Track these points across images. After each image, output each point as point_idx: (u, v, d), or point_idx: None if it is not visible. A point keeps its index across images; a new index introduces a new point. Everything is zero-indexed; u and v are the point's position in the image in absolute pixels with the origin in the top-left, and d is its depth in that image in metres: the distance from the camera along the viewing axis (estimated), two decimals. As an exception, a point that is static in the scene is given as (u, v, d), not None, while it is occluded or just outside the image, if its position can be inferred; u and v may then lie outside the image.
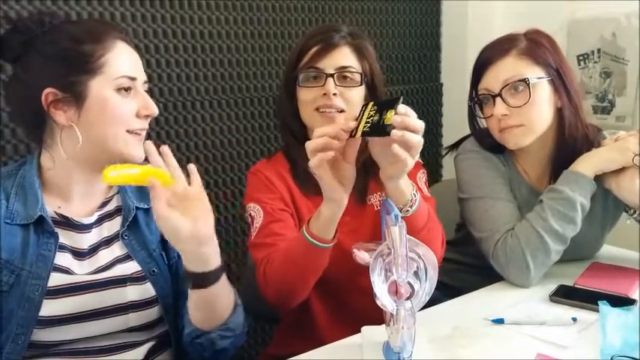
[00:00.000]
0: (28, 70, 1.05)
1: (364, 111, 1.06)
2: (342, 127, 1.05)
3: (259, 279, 1.20)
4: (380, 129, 1.00)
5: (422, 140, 1.02)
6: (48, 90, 1.02)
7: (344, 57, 1.27)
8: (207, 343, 1.06)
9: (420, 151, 1.04)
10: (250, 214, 1.29)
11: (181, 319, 1.13)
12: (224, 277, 1.03)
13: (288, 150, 1.37)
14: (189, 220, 0.96)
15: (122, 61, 1.06)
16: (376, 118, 1.02)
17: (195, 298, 1.03)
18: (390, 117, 0.99)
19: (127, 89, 1.05)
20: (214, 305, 1.04)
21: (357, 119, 1.06)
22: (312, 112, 1.28)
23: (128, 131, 1.06)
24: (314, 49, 1.27)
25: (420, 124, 1.02)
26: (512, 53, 1.33)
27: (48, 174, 1.09)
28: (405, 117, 1.00)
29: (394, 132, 0.98)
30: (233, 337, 1.08)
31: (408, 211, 1.14)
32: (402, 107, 1.00)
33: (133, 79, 1.06)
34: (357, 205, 1.32)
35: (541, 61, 1.32)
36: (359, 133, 1.04)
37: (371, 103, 1.06)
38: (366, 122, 1.03)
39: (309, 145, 1.06)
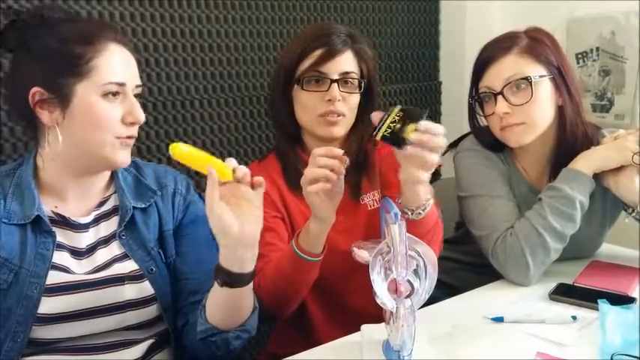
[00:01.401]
0: (19, 66, 1.05)
1: (389, 114, 1.06)
2: (342, 164, 1.07)
3: (254, 289, 1.20)
4: (398, 140, 1.03)
5: (436, 159, 1.04)
6: (35, 89, 1.01)
7: (347, 63, 1.28)
8: (222, 342, 1.04)
9: (433, 168, 1.06)
10: None
11: (183, 317, 1.13)
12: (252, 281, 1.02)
13: (280, 149, 1.37)
14: (239, 220, 0.94)
15: (112, 65, 1.03)
16: (398, 126, 1.03)
17: (221, 297, 1.01)
18: (411, 131, 1.02)
19: (115, 94, 1.04)
20: (239, 306, 1.03)
21: (380, 121, 1.06)
22: (314, 117, 1.28)
23: (116, 137, 1.04)
24: (318, 53, 1.27)
25: (439, 143, 1.04)
26: (513, 51, 1.32)
27: (42, 174, 1.09)
28: (425, 136, 1.02)
29: (410, 148, 1.01)
30: (246, 338, 1.07)
31: (420, 214, 1.15)
32: (424, 124, 1.03)
33: (121, 84, 1.04)
34: (351, 204, 1.32)
35: (542, 59, 1.32)
36: (380, 134, 1.05)
37: (398, 108, 1.06)
38: (389, 127, 1.04)
39: (308, 176, 1.07)
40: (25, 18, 1.04)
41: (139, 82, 1.09)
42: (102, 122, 1.03)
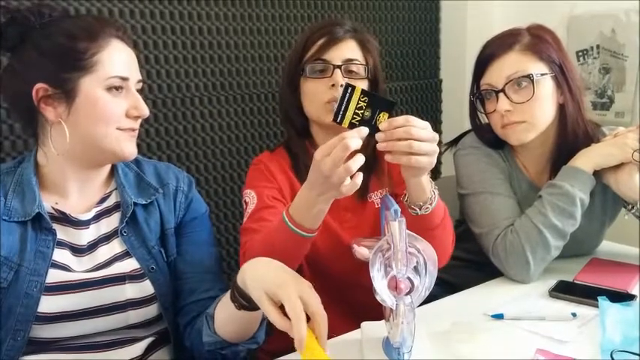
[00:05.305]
0: (22, 63, 1.05)
1: (351, 96, 1.01)
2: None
3: (240, 261, 1.17)
4: (372, 129, 1.00)
5: (419, 145, 1.00)
6: (39, 85, 1.02)
7: (350, 50, 1.28)
8: (232, 354, 1.05)
9: (427, 153, 1.02)
10: (245, 201, 1.28)
11: (184, 315, 1.13)
12: None
13: (289, 144, 1.37)
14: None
15: (115, 60, 1.04)
16: (368, 113, 1.01)
17: (238, 316, 0.98)
18: (384, 121, 1.00)
19: (118, 88, 1.04)
20: (251, 324, 1.03)
21: (340, 101, 1.01)
22: (320, 105, 1.28)
23: (118, 129, 1.05)
24: (320, 42, 1.28)
25: (409, 131, 1.00)
26: (515, 48, 1.32)
27: (43, 171, 1.09)
28: (391, 127, 1.00)
29: (380, 141, 1.00)
30: (254, 347, 1.07)
31: (427, 208, 1.14)
32: (385, 122, 1.01)
33: (124, 79, 1.05)
34: (358, 202, 1.32)
35: (545, 56, 1.32)
36: (346, 122, 1.02)
37: (359, 90, 1.01)
38: (356, 114, 1.01)
39: (337, 154, 0.94)
40: (27, 15, 1.04)
41: (139, 77, 1.10)
42: (106, 116, 1.03)
